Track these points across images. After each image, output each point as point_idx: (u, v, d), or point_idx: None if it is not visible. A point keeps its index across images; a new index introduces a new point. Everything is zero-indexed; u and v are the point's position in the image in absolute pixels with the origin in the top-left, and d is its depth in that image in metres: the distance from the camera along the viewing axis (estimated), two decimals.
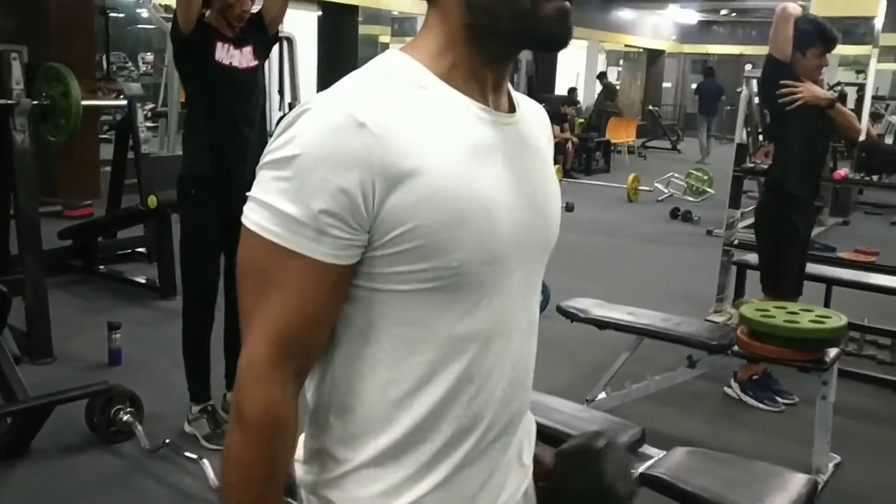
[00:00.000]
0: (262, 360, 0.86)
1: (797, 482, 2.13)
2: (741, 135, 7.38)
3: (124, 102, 5.22)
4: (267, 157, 0.86)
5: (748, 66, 18.36)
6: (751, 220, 5.75)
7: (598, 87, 15.77)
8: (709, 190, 9.88)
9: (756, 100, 7.46)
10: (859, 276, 4.34)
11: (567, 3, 0.89)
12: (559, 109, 11.90)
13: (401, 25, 17.26)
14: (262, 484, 0.88)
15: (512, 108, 0.98)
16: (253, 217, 0.85)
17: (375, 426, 0.92)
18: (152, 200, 4.60)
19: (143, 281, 5.16)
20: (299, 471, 0.99)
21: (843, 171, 5.35)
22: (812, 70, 3.56)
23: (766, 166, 4.85)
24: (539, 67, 12.47)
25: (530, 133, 0.99)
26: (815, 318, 2.94)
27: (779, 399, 3.77)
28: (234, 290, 2.98)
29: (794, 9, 3.55)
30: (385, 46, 17.08)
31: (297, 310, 0.85)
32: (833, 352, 2.94)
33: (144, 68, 15.02)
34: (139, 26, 15.34)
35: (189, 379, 3.17)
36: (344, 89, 0.87)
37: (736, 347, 3.06)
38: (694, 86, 18.40)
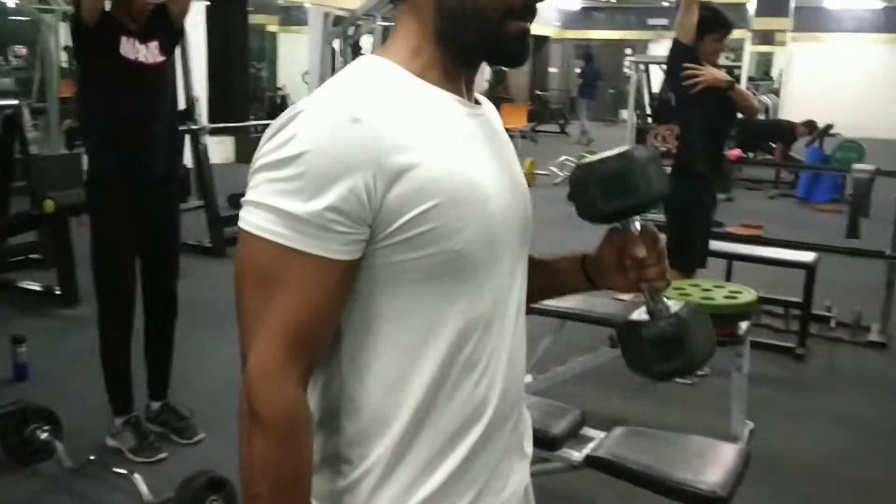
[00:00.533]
0: (276, 360, 0.85)
1: (731, 453, 2.23)
2: (633, 118, 7.69)
3: (14, 102, 4.88)
4: (262, 159, 0.86)
5: (628, 51, 19.02)
6: None
7: (488, 74, 15.93)
8: None
9: (645, 83, 7.78)
10: (756, 250, 4.56)
11: (528, 24, 0.95)
12: None
13: (287, 14, 16.94)
14: (291, 488, 0.87)
15: (476, 102, 1.03)
16: (253, 220, 0.85)
17: (387, 421, 0.92)
18: (49, 205, 4.35)
19: (41, 289, 4.88)
20: (313, 482, 0.96)
21: (735, 151, 5.61)
22: (711, 54, 3.71)
23: (664, 149, 5.07)
24: None
25: (496, 123, 1.05)
26: (729, 294, 3.07)
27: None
28: (156, 295, 2.89)
29: None
30: (273, 35, 16.71)
31: (307, 308, 0.85)
32: (745, 325, 3.08)
33: (16, 62, 14.11)
34: (9, 18, 14.41)
35: (110, 391, 3.02)
36: (333, 91, 0.90)
37: None
38: (578, 70, 18.87)
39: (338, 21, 9.08)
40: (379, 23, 8.86)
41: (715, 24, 3.66)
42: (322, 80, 9.18)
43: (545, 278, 1.11)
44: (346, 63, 9.29)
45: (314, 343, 0.87)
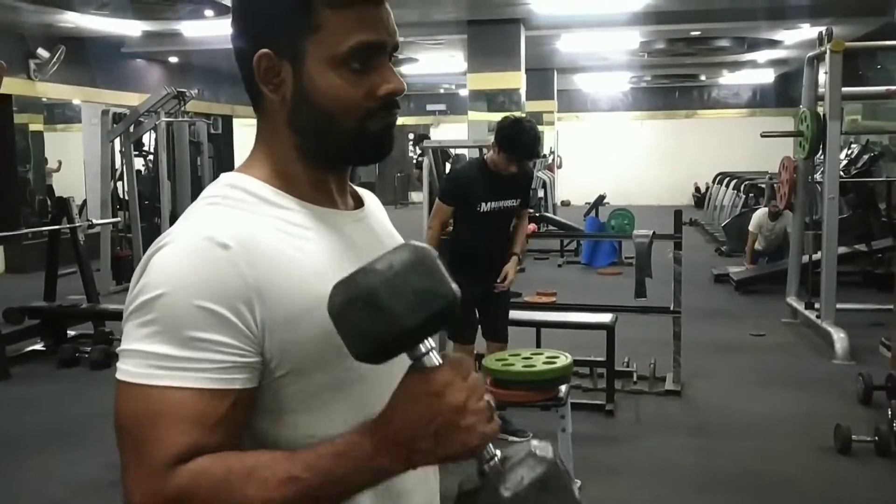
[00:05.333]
0: (161, 491, 0.79)
1: None
2: (427, 200, 8.02)
3: None
4: (130, 306, 0.84)
5: (411, 136, 19.87)
6: None
7: None
8: None
9: (435, 167, 8.17)
10: (561, 316, 4.92)
11: (394, 118, 0.94)
12: None
13: (51, 112, 16.07)
14: None
15: (359, 203, 1.02)
16: (126, 368, 0.82)
17: None
18: None
19: None
20: None
21: (531, 225, 6.01)
22: (505, 167, 3.90)
23: None
24: (218, 147, 12.34)
25: (378, 222, 1.04)
26: (547, 360, 3.28)
27: (510, 439, 4.11)
28: None
29: None
30: (39, 134, 15.73)
31: (196, 439, 0.80)
32: (564, 388, 3.29)
33: None
34: None
35: None
36: (195, 218, 0.88)
37: None
38: None
39: (117, 118, 8.79)
40: (163, 119, 8.69)
41: (510, 148, 3.85)
42: (103, 178, 8.79)
43: None
44: (127, 161, 8.85)
45: (213, 449, 0.82)
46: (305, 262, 0.87)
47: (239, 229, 0.85)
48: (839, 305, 5.96)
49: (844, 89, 6.01)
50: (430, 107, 20.16)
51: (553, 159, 16.09)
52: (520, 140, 3.84)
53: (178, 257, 0.83)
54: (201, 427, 0.81)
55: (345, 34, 0.88)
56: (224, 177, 0.94)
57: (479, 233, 3.93)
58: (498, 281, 4.01)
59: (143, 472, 0.80)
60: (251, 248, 0.84)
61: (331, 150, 0.93)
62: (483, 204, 3.92)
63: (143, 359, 0.81)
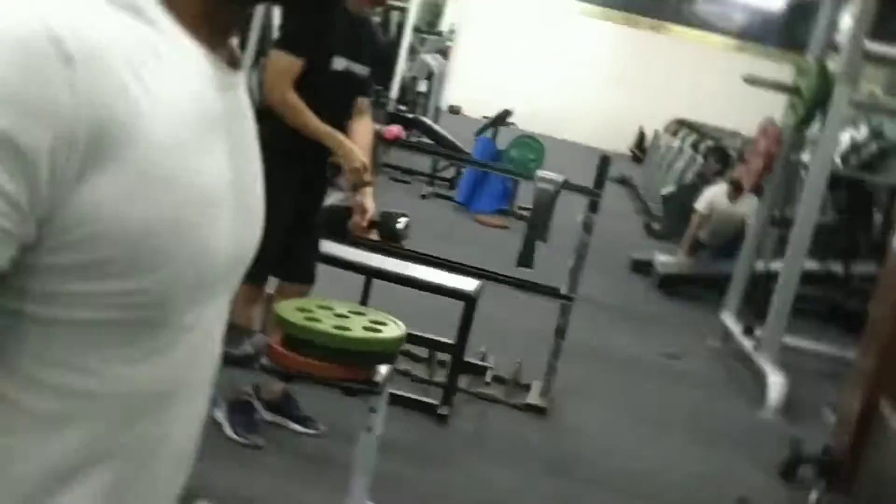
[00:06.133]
0: None
1: None
2: None
3: None
4: None
5: None
6: None
7: None
8: None
9: None
10: (404, 267, 4.92)
11: None
12: None
13: None
14: None
15: (232, 62, 1.00)
16: None
17: None
18: None
19: None
20: None
21: (394, 128, 5.99)
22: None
23: None
24: None
25: (245, 100, 1.04)
26: (370, 325, 3.28)
27: (293, 426, 4.14)
28: None
29: None
30: None
31: None
32: (385, 370, 3.31)
33: None
34: None
35: None
36: None
37: (265, 360, 3.27)
38: None
39: None
40: None
41: None
42: None
43: None
44: None
45: None
46: (163, 119, 0.85)
47: (93, 36, 0.80)
48: (787, 339, 6.31)
49: (870, 44, 6.23)
50: None
51: (453, 40, 16.10)
52: None
53: None
54: None
55: None
56: None
57: (321, 106, 3.88)
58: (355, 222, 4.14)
59: None
60: (101, 70, 0.80)
61: None
62: (337, 59, 3.95)
63: None
